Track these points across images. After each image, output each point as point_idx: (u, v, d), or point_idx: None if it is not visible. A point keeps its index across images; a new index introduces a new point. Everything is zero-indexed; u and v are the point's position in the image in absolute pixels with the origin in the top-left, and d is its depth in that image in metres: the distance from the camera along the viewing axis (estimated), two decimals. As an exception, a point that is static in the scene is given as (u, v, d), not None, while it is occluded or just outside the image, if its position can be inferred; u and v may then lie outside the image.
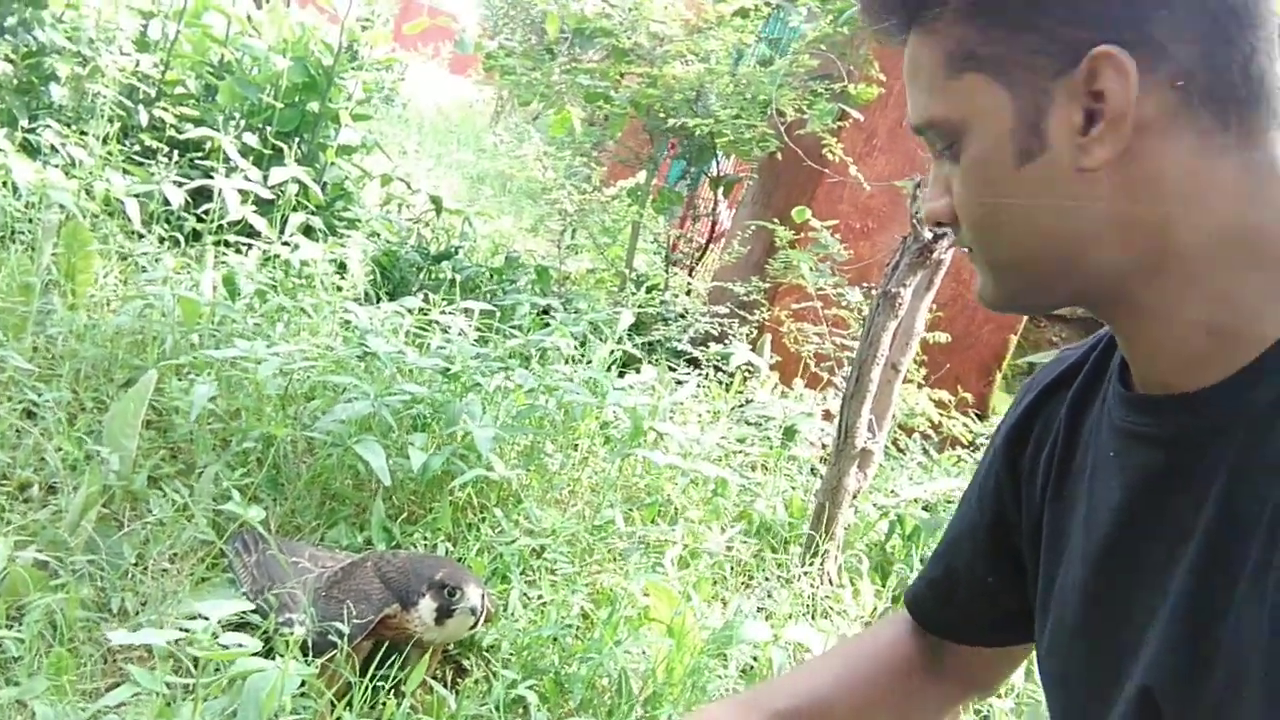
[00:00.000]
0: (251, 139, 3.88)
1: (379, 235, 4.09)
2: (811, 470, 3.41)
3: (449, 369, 2.66)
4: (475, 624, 1.79)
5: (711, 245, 5.41)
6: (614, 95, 4.46)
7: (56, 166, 3.40)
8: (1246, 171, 0.65)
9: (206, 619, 1.31)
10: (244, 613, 1.65)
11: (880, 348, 2.70)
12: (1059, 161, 0.66)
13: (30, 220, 3.14)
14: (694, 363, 4.20)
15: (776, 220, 4.07)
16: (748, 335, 4.30)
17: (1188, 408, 0.68)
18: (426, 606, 1.77)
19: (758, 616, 2.29)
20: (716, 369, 4.08)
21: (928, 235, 2.63)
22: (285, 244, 3.53)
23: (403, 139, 10.04)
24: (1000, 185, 0.69)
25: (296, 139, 4.04)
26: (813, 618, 2.52)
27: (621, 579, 2.32)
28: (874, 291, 2.87)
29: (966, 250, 0.76)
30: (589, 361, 3.58)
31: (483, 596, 1.79)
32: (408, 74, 13.56)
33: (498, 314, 3.98)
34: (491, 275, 4.67)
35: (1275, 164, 0.65)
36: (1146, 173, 0.65)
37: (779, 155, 4.12)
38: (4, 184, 3.24)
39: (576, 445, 2.92)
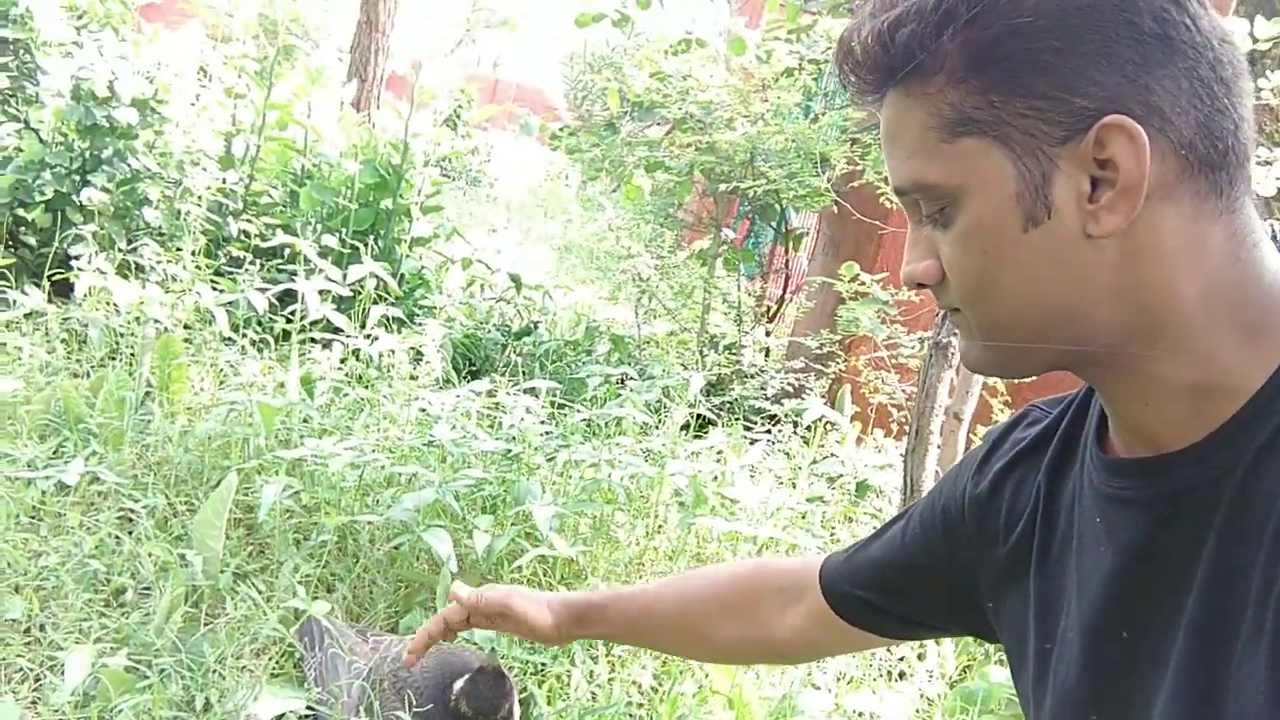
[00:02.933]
0: (331, 240, 4.11)
1: (454, 320, 4.24)
2: (891, 524, 3.35)
3: (510, 450, 2.74)
4: None
5: (788, 299, 5.43)
6: (671, 164, 4.55)
7: (155, 283, 3.67)
8: (1232, 235, 0.66)
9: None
10: (311, 707, 1.73)
11: (937, 399, 2.67)
12: (1065, 227, 0.66)
13: (131, 335, 3.39)
14: (773, 419, 4.20)
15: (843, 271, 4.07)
16: (825, 388, 4.29)
17: (1171, 468, 0.68)
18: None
19: (823, 683, 2.27)
20: (795, 424, 4.08)
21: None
22: (366, 337, 3.70)
23: (491, 217, 10.42)
24: (1003, 250, 0.68)
25: (372, 236, 4.25)
26: (888, 680, 2.48)
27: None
28: (928, 342, 2.85)
29: (951, 312, 0.76)
30: (661, 426, 3.63)
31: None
32: (495, 153, 14.11)
33: (572, 387, 4.08)
34: (571, 347, 4.79)
35: (1251, 224, 0.67)
36: (1148, 239, 0.65)
37: (835, 209, 4.13)
38: (107, 304, 3.51)
39: (648, 514, 2.96)
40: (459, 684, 1.66)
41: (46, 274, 3.68)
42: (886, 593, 1.00)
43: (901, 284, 0.78)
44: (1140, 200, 0.63)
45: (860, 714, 2.04)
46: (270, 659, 2.11)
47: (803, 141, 4.29)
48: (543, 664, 2.26)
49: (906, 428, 3.88)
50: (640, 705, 2.10)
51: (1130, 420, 0.71)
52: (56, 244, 3.83)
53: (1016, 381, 3.46)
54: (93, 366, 3.27)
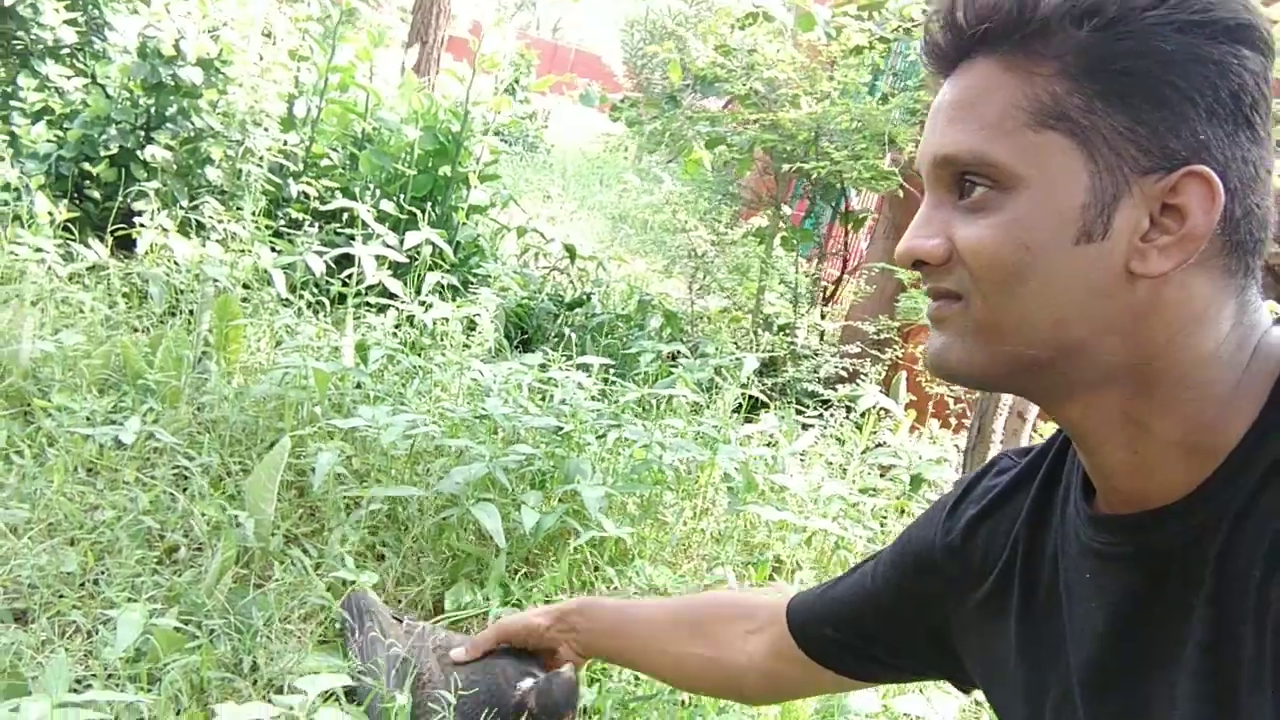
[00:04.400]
0: (389, 206, 4.10)
1: (508, 290, 4.23)
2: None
3: (561, 428, 2.72)
4: None
5: (845, 281, 5.33)
6: (733, 140, 4.48)
7: (216, 241, 3.69)
8: (1241, 308, 0.69)
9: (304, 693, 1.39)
10: (354, 678, 1.73)
11: (1001, 396, 2.60)
12: (1113, 254, 0.66)
13: (191, 292, 3.42)
14: (826, 403, 4.14)
15: (904, 257, 3.98)
16: (880, 374, 4.21)
17: (1158, 524, 0.69)
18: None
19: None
20: (848, 410, 4.01)
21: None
22: (421, 304, 3.70)
23: (547, 184, 10.39)
24: (1046, 253, 0.67)
25: (430, 203, 4.24)
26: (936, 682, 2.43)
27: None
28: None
29: (943, 301, 0.73)
30: (712, 406, 3.59)
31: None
32: (553, 118, 14.07)
33: (624, 362, 4.05)
34: (624, 320, 4.76)
35: (1255, 300, 0.70)
36: (1177, 295, 0.66)
37: (900, 192, 4.03)
38: (168, 261, 3.54)
39: (697, 495, 2.93)
40: (529, 681, 1.58)
41: (110, 229, 3.72)
42: (854, 632, 1.02)
43: (896, 259, 0.76)
44: (1195, 252, 0.65)
45: (908, 716, 2.00)
46: (318, 624, 2.12)
47: (869, 121, 4.19)
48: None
49: (964, 421, 3.80)
50: (683, 703, 2.07)
51: (1114, 472, 0.72)
52: (120, 199, 3.87)
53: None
54: (153, 323, 3.30)
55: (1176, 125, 0.64)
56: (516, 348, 4.23)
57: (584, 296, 4.86)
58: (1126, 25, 0.65)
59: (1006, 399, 2.59)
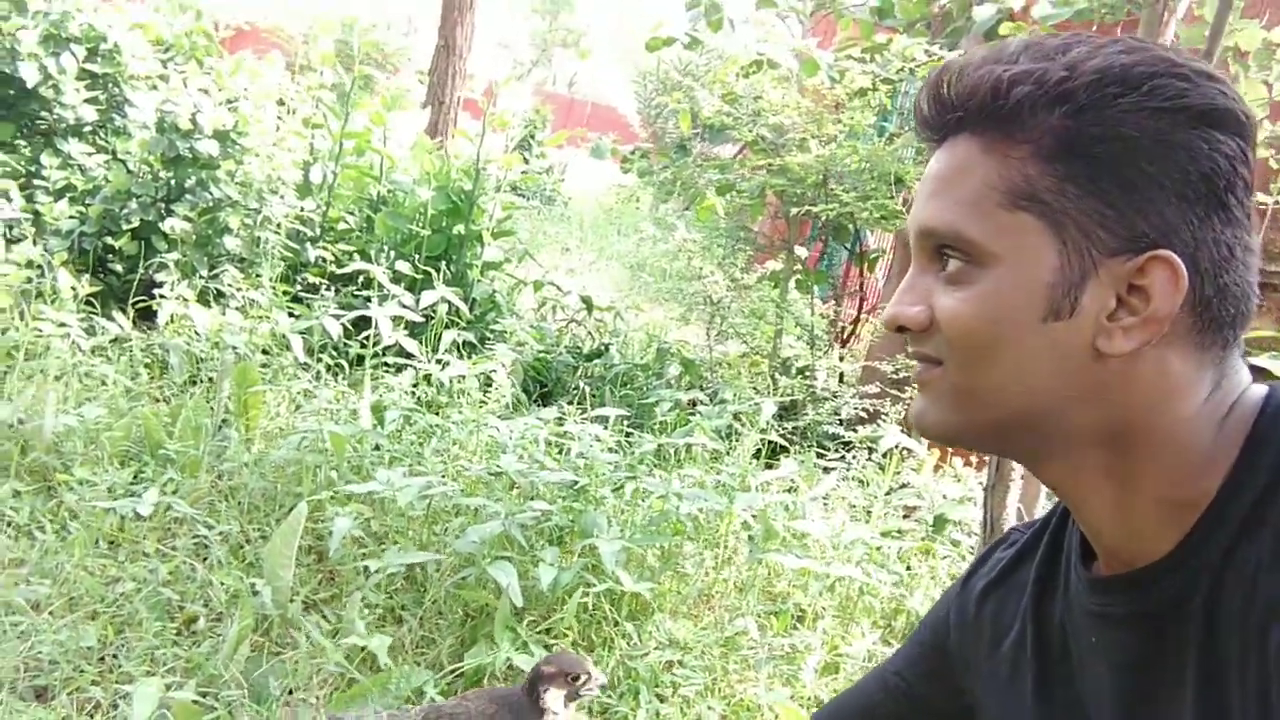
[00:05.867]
0: (404, 266, 4.15)
1: (525, 345, 4.25)
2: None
3: (577, 482, 2.71)
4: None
5: (863, 321, 5.32)
6: (743, 186, 4.51)
7: (235, 309, 3.75)
8: (1221, 374, 0.70)
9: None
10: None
11: None
12: (1080, 332, 0.68)
13: (211, 361, 3.47)
14: (847, 445, 4.11)
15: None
16: (901, 413, 4.18)
17: (1150, 580, 0.70)
18: (555, 698, 1.79)
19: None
20: (870, 451, 3.98)
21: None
22: (438, 362, 3.73)
23: (565, 236, 10.48)
24: (1015, 329, 0.69)
25: (445, 262, 4.29)
26: None
27: (755, 693, 2.27)
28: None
29: (924, 365, 0.75)
30: (732, 453, 3.57)
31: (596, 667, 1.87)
32: (569, 170, 14.23)
33: (642, 411, 4.05)
34: (642, 369, 4.76)
35: (1236, 365, 0.71)
36: (1150, 371, 0.68)
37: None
38: (189, 330, 3.60)
39: (717, 544, 2.91)
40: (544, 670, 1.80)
41: (132, 301, 3.79)
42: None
43: (882, 323, 0.80)
44: (1157, 334, 0.67)
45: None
46: (334, 689, 2.11)
47: (877, 162, 4.21)
48: (608, 703, 2.22)
49: (986, 458, 3.75)
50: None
51: (1102, 530, 0.73)
52: (142, 271, 3.95)
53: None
54: (173, 393, 3.35)
55: (1144, 208, 0.66)
56: (536, 401, 4.24)
57: (602, 347, 4.87)
58: (1097, 111, 0.66)
59: None
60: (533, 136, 10.70)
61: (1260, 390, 0.71)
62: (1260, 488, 0.66)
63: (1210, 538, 0.67)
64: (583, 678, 1.80)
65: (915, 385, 0.77)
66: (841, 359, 4.85)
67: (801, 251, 5.13)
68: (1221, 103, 0.67)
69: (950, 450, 4.16)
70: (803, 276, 4.98)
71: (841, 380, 4.70)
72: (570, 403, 3.91)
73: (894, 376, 4.27)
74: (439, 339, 3.92)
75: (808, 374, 4.62)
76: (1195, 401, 0.69)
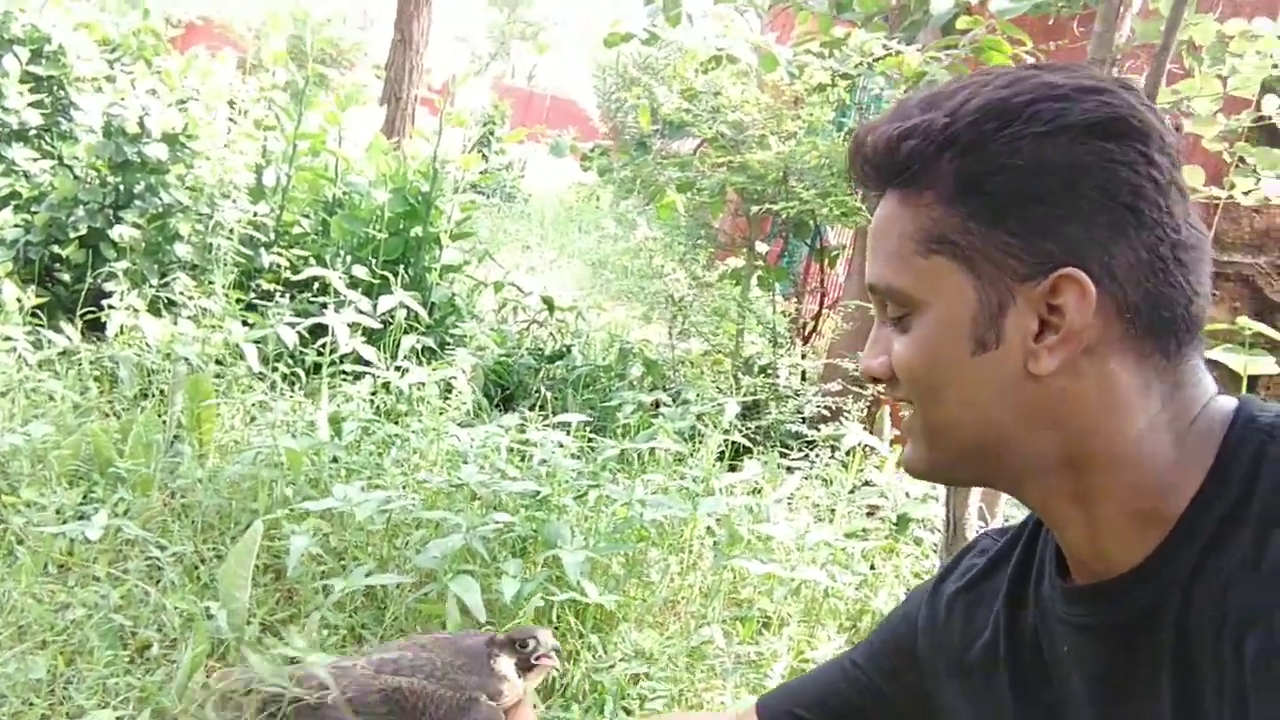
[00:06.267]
0: (361, 271, 4.09)
1: (485, 349, 4.21)
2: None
3: (539, 492, 2.68)
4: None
5: (824, 316, 5.33)
6: (703, 184, 4.49)
7: (187, 318, 3.67)
8: (1176, 386, 0.71)
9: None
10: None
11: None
12: (1010, 359, 0.71)
13: (163, 372, 3.39)
14: (811, 444, 4.11)
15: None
16: (863, 410, 4.19)
17: (1121, 591, 0.72)
18: (506, 664, 1.77)
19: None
20: (833, 449, 3.98)
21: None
22: (396, 369, 3.67)
23: (525, 234, 10.41)
24: (950, 367, 0.73)
25: (402, 265, 4.23)
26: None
27: (722, 701, 2.26)
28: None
29: (907, 413, 0.79)
30: (696, 455, 3.56)
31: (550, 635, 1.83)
32: (529, 167, 14.13)
33: (605, 414, 4.02)
34: (605, 370, 4.73)
35: (1196, 376, 0.72)
36: (1094, 385, 0.70)
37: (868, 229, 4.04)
38: (139, 342, 3.51)
39: (682, 550, 2.89)
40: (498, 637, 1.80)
41: (80, 311, 3.70)
42: (831, 713, 1.04)
43: (861, 376, 0.83)
44: (1078, 349, 0.69)
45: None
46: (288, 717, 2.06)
47: (836, 158, 4.20)
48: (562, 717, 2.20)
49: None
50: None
51: (1077, 545, 0.75)
52: (90, 281, 3.85)
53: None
54: (124, 407, 3.27)
55: (1045, 231, 0.68)
56: (497, 405, 4.19)
57: (564, 349, 4.84)
58: (980, 148, 0.70)
59: None
60: (492, 133, 10.59)
61: (1228, 403, 0.73)
62: (1231, 501, 0.67)
63: (1180, 550, 0.69)
64: (530, 644, 1.77)
65: (904, 433, 0.81)
66: (804, 356, 4.85)
67: (762, 247, 5.13)
68: (1107, 113, 0.68)
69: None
70: (764, 273, 4.97)
71: (804, 378, 4.71)
72: (532, 407, 3.87)
73: (855, 373, 4.27)
74: (398, 345, 3.86)
75: (770, 372, 4.62)
76: (1147, 413, 0.70)
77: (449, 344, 4.26)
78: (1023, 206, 0.69)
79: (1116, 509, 0.71)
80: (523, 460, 3.14)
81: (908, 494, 3.53)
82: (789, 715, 1.06)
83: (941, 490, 3.53)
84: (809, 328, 5.24)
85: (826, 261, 5.13)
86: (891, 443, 4.09)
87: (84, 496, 2.72)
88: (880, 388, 0.82)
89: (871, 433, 3.99)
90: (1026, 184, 0.69)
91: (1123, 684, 0.73)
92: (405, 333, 3.96)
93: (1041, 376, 0.70)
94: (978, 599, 0.90)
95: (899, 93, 3.99)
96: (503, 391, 4.38)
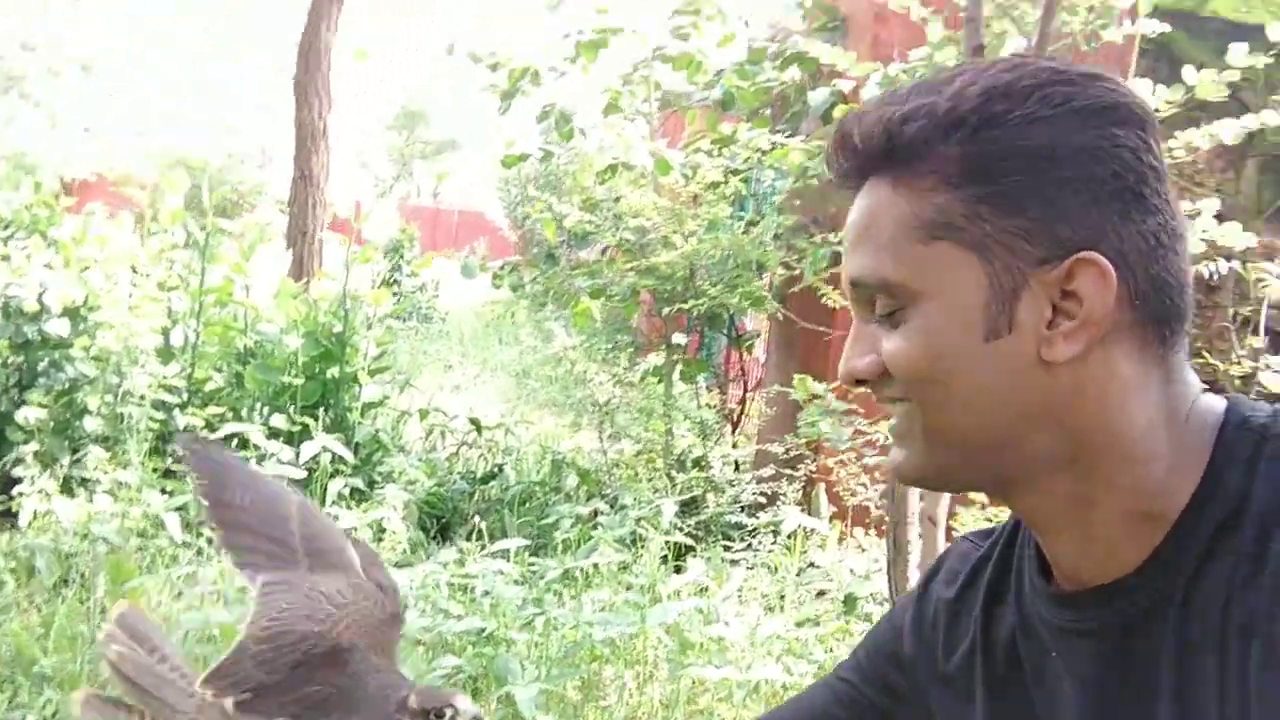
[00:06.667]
0: (280, 420, 4.04)
1: (416, 482, 4.16)
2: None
3: (484, 629, 2.65)
4: None
5: (749, 401, 5.39)
6: (614, 289, 4.57)
7: (104, 493, 3.57)
8: (1167, 378, 0.71)
9: None
10: None
11: (909, 506, 2.62)
12: (1022, 347, 0.68)
13: (82, 555, 3.27)
14: (752, 532, 4.12)
15: (801, 370, 4.06)
16: (799, 492, 4.23)
17: (1122, 595, 0.70)
18: None
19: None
20: (774, 534, 4.00)
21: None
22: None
23: (446, 353, 10.38)
24: (958, 358, 0.70)
25: (322, 408, 4.19)
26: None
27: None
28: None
29: (894, 408, 0.75)
30: (639, 561, 3.54)
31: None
32: (444, 285, 14.16)
33: (543, 532, 3.99)
34: (539, 486, 4.71)
35: (1182, 367, 0.72)
36: (1099, 374, 0.68)
37: (779, 316, 4.14)
38: (55, 526, 3.40)
39: (637, 662, 2.86)
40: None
41: (-11, 501, 3.57)
42: None
43: (840, 380, 0.78)
44: (1099, 335, 0.67)
45: None
46: None
47: (738, 251, 4.32)
48: None
49: (884, 526, 3.82)
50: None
51: (1071, 551, 0.73)
52: (-2, 468, 3.73)
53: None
54: (44, 599, 3.14)
55: (1060, 214, 0.67)
56: (434, 538, 4.13)
57: (496, 469, 4.81)
58: (990, 130, 0.68)
59: (914, 508, 2.62)
60: (401, 256, 10.64)
61: (1217, 402, 0.72)
62: (1229, 504, 0.66)
63: (1182, 550, 0.68)
64: (446, 713, 1.28)
65: (892, 438, 0.77)
66: (734, 445, 4.90)
67: (681, 339, 5.20)
68: (1112, 99, 0.68)
69: (850, 522, 4.22)
70: (685, 367, 5.04)
71: (737, 467, 4.74)
72: (470, 534, 3.83)
73: (786, 456, 4.32)
74: (325, 491, 3.80)
75: (703, 465, 4.64)
76: (1147, 406, 0.69)
77: (378, 482, 4.20)
78: (1036, 189, 0.67)
79: (1115, 512, 0.70)
80: (465, 594, 3.09)
81: (852, 571, 3.56)
82: None
83: (884, 559, 3.57)
84: (736, 414, 5.30)
85: (744, 349, 5.22)
86: (831, 519, 4.13)
87: (9, 702, 2.59)
88: (862, 389, 0.78)
89: (809, 513, 4.03)
90: (1039, 166, 0.67)
91: (1116, 689, 0.72)
92: (331, 477, 3.90)
93: (1054, 365, 0.68)
94: (960, 605, 0.87)
95: (789, 183, 4.15)
96: (438, 522, 4.32)
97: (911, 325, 0.70)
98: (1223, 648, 0.64)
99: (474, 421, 5.16)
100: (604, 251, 5.24)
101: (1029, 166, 0.67)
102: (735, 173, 4.51)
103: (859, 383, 0.75)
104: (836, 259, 4.15)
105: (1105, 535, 0.71)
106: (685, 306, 4.20)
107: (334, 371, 4.30)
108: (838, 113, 4.11)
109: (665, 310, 4.47)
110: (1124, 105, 0.69)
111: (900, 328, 0.71)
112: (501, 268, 5.40)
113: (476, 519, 3.78)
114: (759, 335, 5.40)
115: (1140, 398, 0.69)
